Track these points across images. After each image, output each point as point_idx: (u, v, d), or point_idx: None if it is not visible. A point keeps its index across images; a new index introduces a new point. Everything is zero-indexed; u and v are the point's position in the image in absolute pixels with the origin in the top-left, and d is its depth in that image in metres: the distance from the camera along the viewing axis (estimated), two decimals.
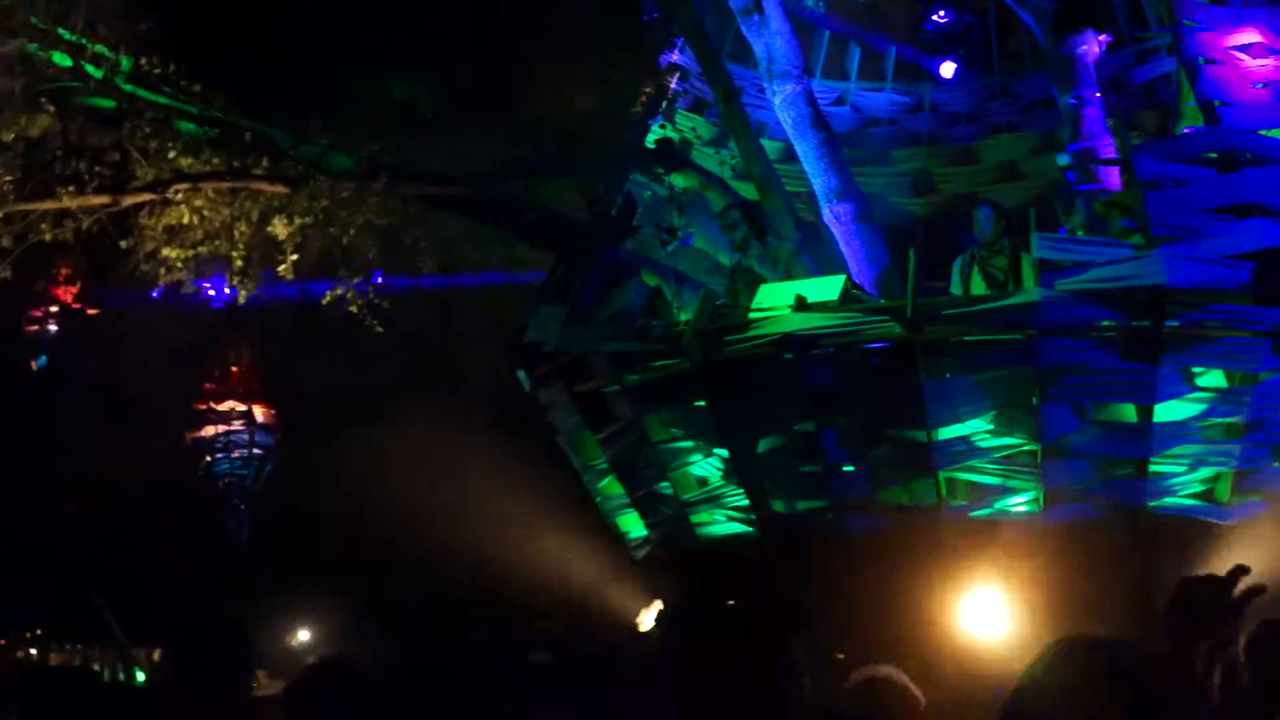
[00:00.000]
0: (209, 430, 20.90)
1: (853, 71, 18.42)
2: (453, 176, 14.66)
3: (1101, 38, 15.37)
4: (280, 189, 13.87)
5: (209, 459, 21.11)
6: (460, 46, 14.32)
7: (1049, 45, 15.65)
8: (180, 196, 13.61)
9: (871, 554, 11.44)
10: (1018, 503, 11.49)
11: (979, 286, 13.10)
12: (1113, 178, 14.36)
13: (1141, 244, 11.05)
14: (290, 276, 14.12)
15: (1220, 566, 10.83)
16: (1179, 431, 11.22)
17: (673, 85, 15.96)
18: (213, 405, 20.79)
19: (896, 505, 11.70)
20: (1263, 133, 11.94)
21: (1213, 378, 11.54)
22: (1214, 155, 11.66)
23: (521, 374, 13.02)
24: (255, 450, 20.72)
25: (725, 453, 12.03)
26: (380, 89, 14.10)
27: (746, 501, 12.03)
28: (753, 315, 11.57)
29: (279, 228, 13.76)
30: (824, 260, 14.39)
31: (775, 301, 11.54)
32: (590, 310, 12.77)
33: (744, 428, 11.85)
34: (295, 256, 13.81)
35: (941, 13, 16.15)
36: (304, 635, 19.56)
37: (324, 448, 19.07)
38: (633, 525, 13.08)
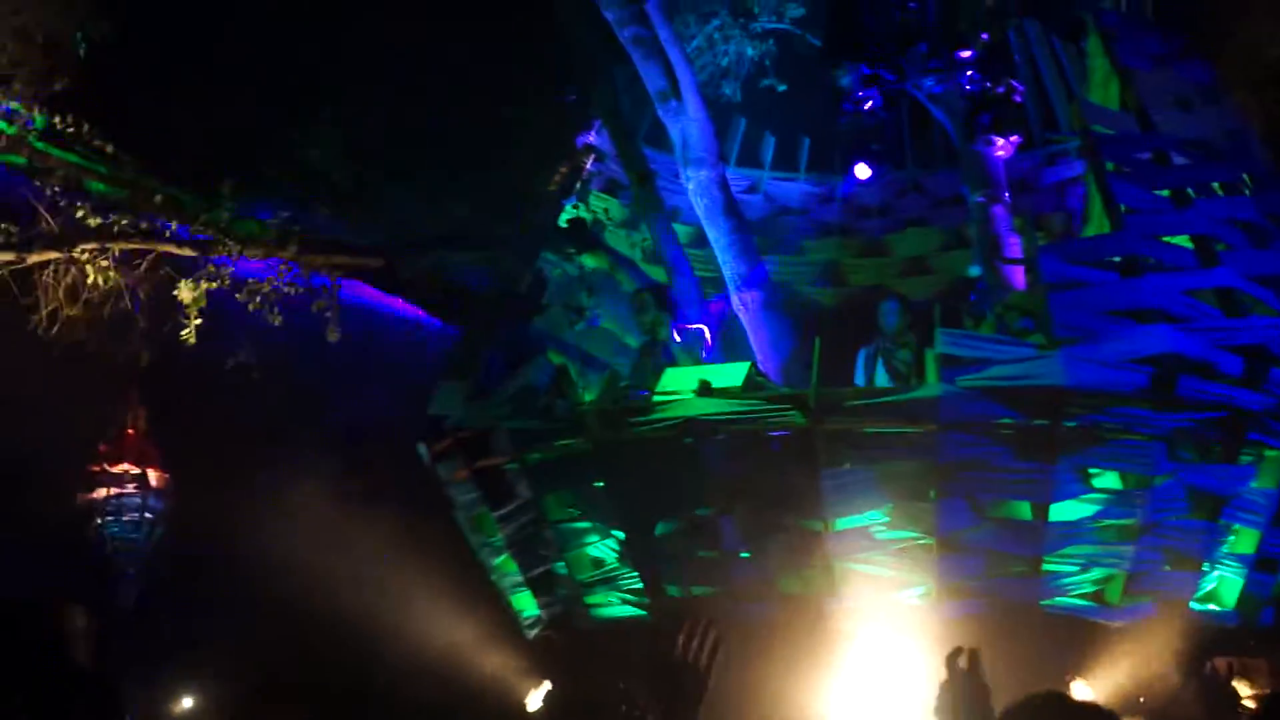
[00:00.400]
0: (101, 492, 20.55)
1: (767, 160, 18.58)
2: (364, 246, 14.59)
3: (1013, 138, 15.60)
4: (188, 252, 13.75)
5: (100, 521, 20.74)
6: (378, 115, 14.33)
7: (961, 143, 15.88)
8: (86, 256, 13.44)
9: (765, 642, 11.40)
10: (911, 596, 11.50)
11: (883, 379, 13.20)
12: (1018, 277, 14.55)
13: (1043, 344, 11.16)
14: (193, 341, 13.93)
15: (1108, 667, 10.90)
16: (1073, 531, 11.31)
17: (588, 166, 16.03)
18: (106, 467, 20.46)
19: (791, 594, 11.65)
20: (1166, 239, 12.15)
21: (1109, 479, 11.67)
22: (1118, 259, 11.84)
23: (422, 448, 12.91)
24: (147, 514, 20.40)
25: (622, 535, 11.98)
26: (296, 155, 14.05)
27: (641, 585, 11.98)
28: (656, 398, 11.56)
29: (184, 291, 13.61)
30: (732, 347, 14.46)
31: (679, 385, 11.54)
32: (494, 386, 12.70)
33: (642, 510, 11.82)
34: (199, 321, 13.65)
35: (867, 104, 16.30)
36: (187, 702, 19.16)
37: (221, 510, 18.80)
38: (526, 604, 12.98)
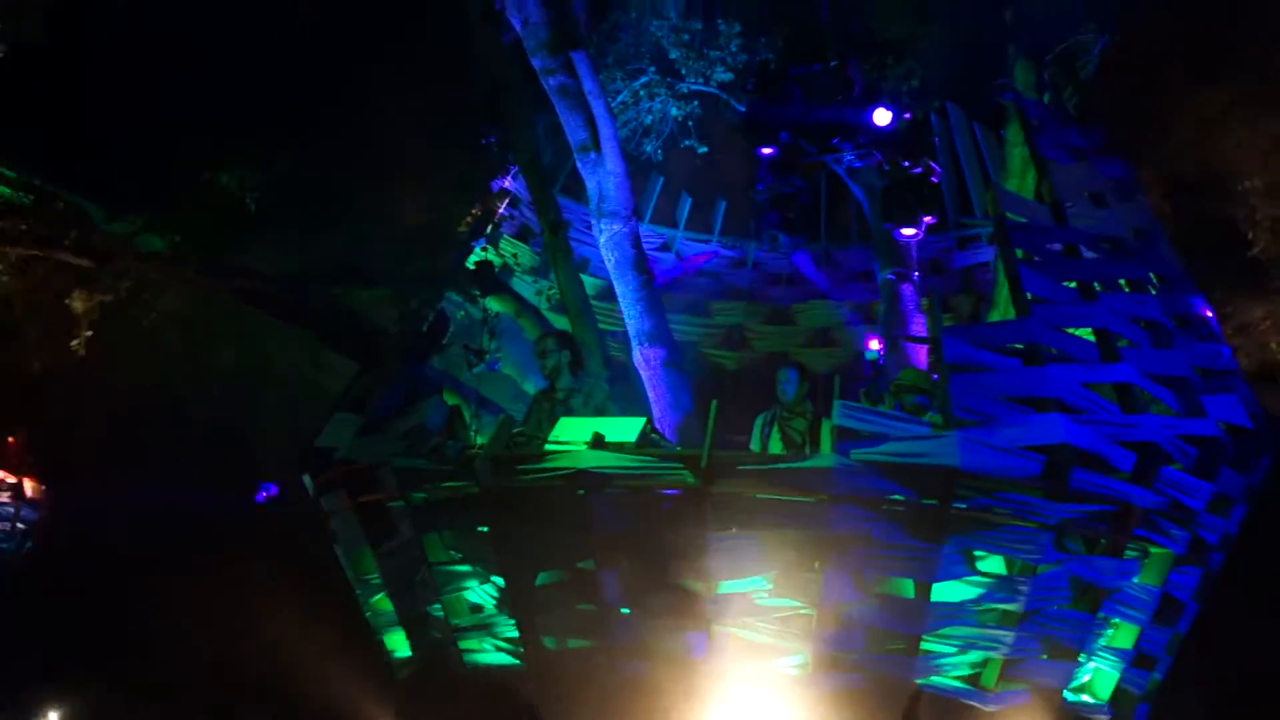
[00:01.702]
0: None
1: (682, 220, 18.60)
2: (267, 274, 14.40)
3: (926, 219, 15.71)
4: (85, 262, 13.49)
5: None
6: (293, 142, 14.17)
7: (874, 220, 15.97)
8: None
9: (639, 701, 11.26)
10: (788, 665, 11.40)
11: (777, 446, 13.15)
12: (921, 356, 14.61)
13: (939, 424, 11.15)
14: (82, 353, 13.64)
15: None
16: (954, 613, 11.26)
17: (501, 210, 15.94)
18: None
19: (668, 654, 11.50)
20: (1069, 331, 12.21)
21: (993, 563, 11.65)
22: (1020, 346, 11.87)
23: (307, 478, 12.70)
24: (19, 525, 20.01)
25: (502, 581, 11.80)
26: (207, 174, 13.85)
27: (517, 633, 11.80)
28: (549, 447, 11.43)
29: (77, 302, 13.34)
30: (629, 402, 14.37)
31: (573, 436, 11.42)
32: (386, 423, 12.53)
33: (524, 558, 11.65)
34: (89, 333, 13.37)
35: (774, 175, 16.37)
36: (53, 716, 18.70)
37: (98, 525, 18.47)
38: (399, 645, 12.75)
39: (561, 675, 11.75)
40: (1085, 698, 12.44)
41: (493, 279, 15.26)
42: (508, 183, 16.21)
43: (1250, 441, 12.15)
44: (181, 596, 16.41)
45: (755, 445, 13.38)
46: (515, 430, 12.38)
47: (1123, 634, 12.28)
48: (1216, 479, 11.83)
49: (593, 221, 15.08)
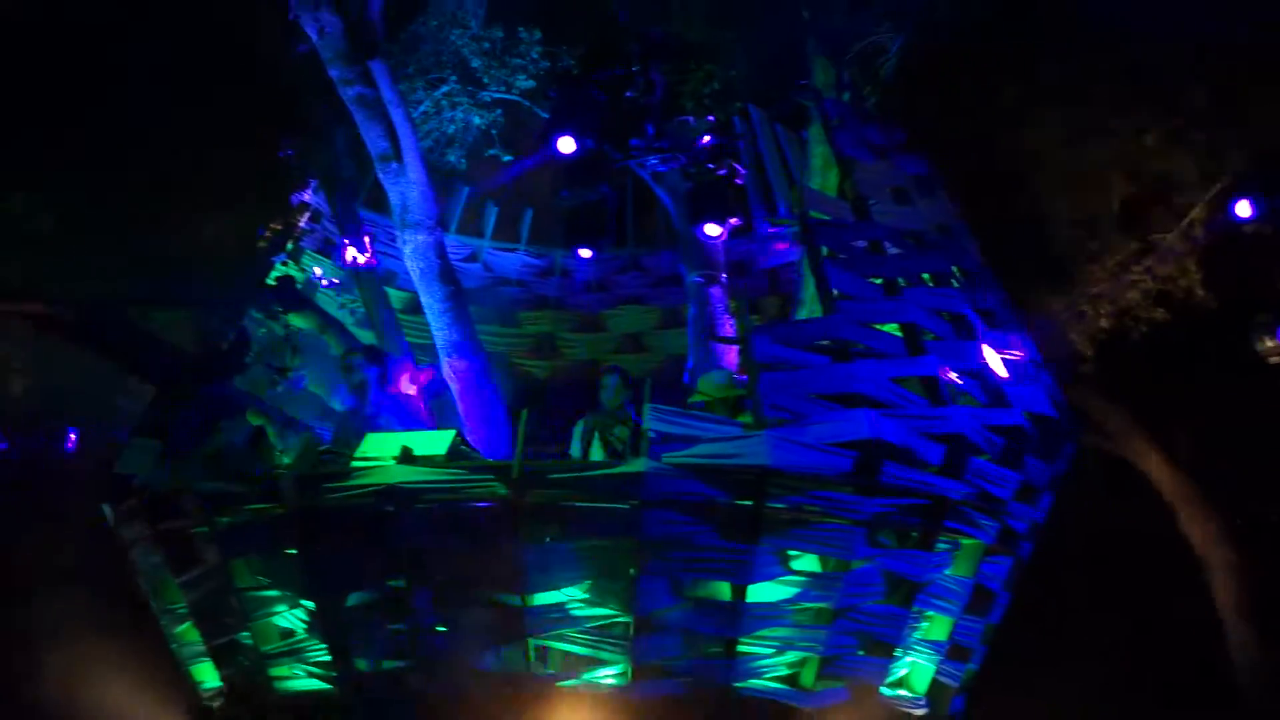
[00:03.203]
0: None
1: (488, 230, 18.42)
2: (59, 298, 13.94)
3: (732, 221, 15.73)
4: None
5: None
6: (84, 162, 13.78)
7: (681, 223, 15.94)
8: None
9: (457, 719, 11.06)
10: (606, 675, 11.27)
11: (598, 454, 13.03)
12: (731, 357, 14.61)
13: (750, 424, 11.12)
14: None
15: None
16: (770, 613, 11.23)
17: (302, 224, 15.62)
18: None
19: (485, 670, 11.30)
20: (876, 326, 12.27)
21: (808, 562, 11.65)
22: (828, 344, 11.90)
23: (107, 508, 12.28)
24: None
25: (312, 604, 11.50)
26: None
27: (329, 658, 11.51)
28: (356, 464, 11.18)
29: None
30: (440, 415, 14.16)
31: (381, 451, 11.18)
32: (188, 447, 12.16)
33: (334, 580, 11.36)
34: None
35: (593, 191, 16.27)
36: None
37: None
38: (207, 675, 12.36)
39: (376, 698, 11.49)
40: (903, 692, 12.52)
41: (294, 295, 14.93)
42: (308, 196, 15.88)
43: (1054, 430, 12.34)
44: None
45: (576, 453, 13.26)
46: (321, 449, 12.09)
47: (937, 627, 12.38)
48: (1023, 468, 11.99)
49: (396, 233, 14.83)
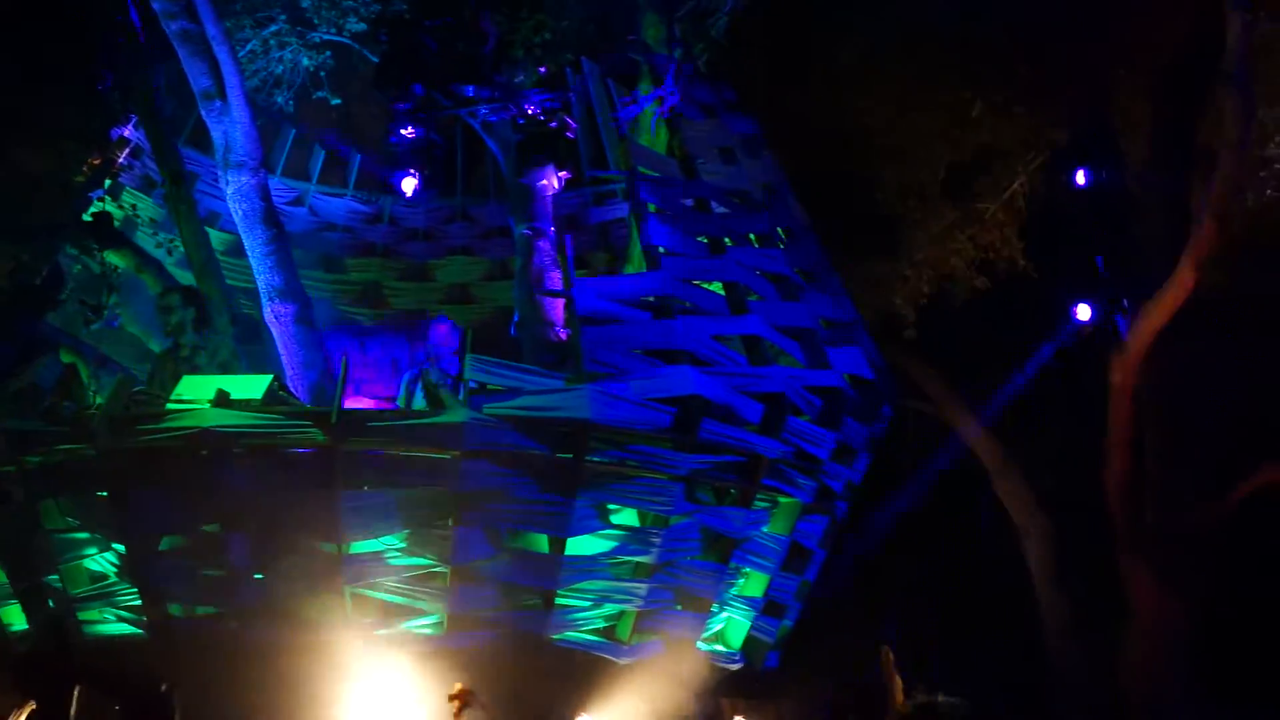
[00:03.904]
0: None
1: (314, 174, 18.15)
2: None
3: (561, 174, 15.69)
4: None
5: None
6: None
7: (510, 175, 15.86)
8: None
9: (271, 667, 10.94)
10: (423, 624, 11.25)
11: (420, 404, 12.95)
12: (558, 311, 14.60)
13: (572, 377, 11.14)
14: None
15: (615, 704, 10.94)
16: (588, 567, 11.31)
17: (121, 159, 15.25)
18: None
19: (301, 618, 11.18)
20: (700, 284, 12.35)
21: (626, 516, 11.73)
22: (652, 300, 11.94)
23: None
24: None
25: (123, 548, 11.29)
26: None
27: (140, 602, 11.31)
28: (171, 406, 10.96)
29: None
30: (261, 360, 13.93)
31: (197, 394, 10.98)
32: None
33: (147, 524, 11.16)
34: None
35: (409, 129, 16.07)
36: None
37: None
38: (14, 618, 12.06)
39: (189, 644, 11.32)
40: (718, 647, 12.68)
41: (112, 232, 14.53)
42: (128, 131, 15.47)
43: (872, 392, 12.54)
44: None
45: (401, 403, 13.18)
46: (136, 390, 11.83)
47: (753, 583, 12.55)
48: (841, 429, 12.17)
49: (219, 173, 14.51)
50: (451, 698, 10.94)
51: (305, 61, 18.32)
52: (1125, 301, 15.22)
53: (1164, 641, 15.73)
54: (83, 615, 11.70)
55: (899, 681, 13.04)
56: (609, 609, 11.60)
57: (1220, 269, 15.52)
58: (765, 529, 12.35)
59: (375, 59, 17.37)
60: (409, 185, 16.15)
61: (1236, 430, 16.04)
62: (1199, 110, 16.01)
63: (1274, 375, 15.94)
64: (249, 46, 17.82)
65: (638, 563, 11.46)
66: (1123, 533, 16.05)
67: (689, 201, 13.28)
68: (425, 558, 11.01)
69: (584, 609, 11.48)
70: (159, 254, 15.21)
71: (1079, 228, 16.29)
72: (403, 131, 16.27)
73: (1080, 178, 15.18)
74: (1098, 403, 16.10)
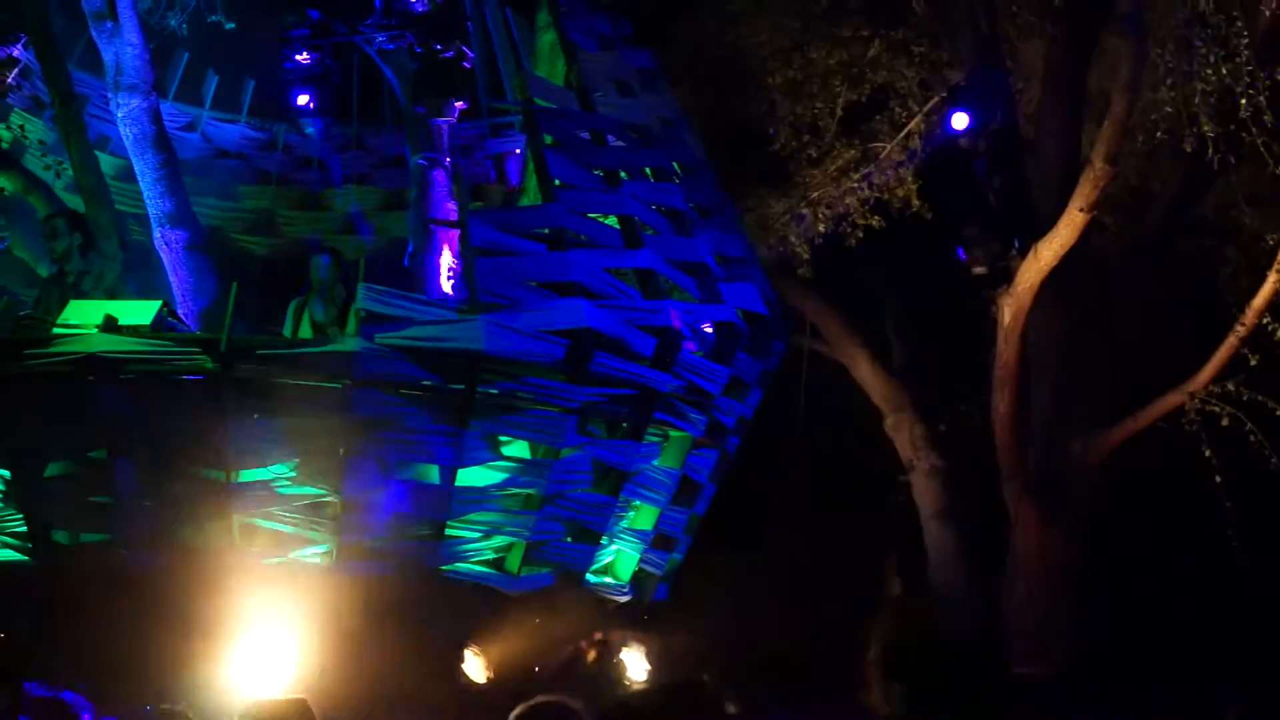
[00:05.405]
0: None
1: (208, 98, 17.90)
2: None
3: (458, 104, 15.59)
4: None
5: None
6: None
7: (406, 104, 15.74)
8: None
9: (158, 596, 10.86)
10: (312, 554, 11.23)
11: (308, 332, 12.89)
12: (453, 242, 14.55)
13: (466, 308, 11.12)
14: None
15: (505, 636, 10.98)
16: (478, 498, 11.33)
17: (9, 80, 14.96)
18: None
19: (188, 546, 11.10)
20: (594, 217, 12.34)
21: (518, 448, 11.76)
22: (546, 232, 11.92)
23: None
24: None
25: (7, 474, 11.14)
26: None
27: (25, 529, 11.18)
28: (57, 331, 10.83)
29: None
30: (151, 287, 13.78)
31: (84, 319, 10.84)
32: None
33: (32, 449, 11.02)
34: None
35: (304, 54, 15.89)
36: None
37: None
38: None
39: (76, 571, 11.24)
40: (607, 579, 12.76)
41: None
42: (16, 52, 15.16)
43: (766, 328, 12.62)
44: None
45: (287, 331, 13.09)
46: (22, 314, 11.68)
47: (643, 516, 12.64)
48: (733, 364, 12.25)
49: (110, 96, 14.28)
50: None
51: None
52: (1017, 242, 15.36)
53: (1047, 573, 16.05)
54: None
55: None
56: (499, 540, 11.63)
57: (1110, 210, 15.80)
58: (656, 462, 12.42)
59: None
60: (303, 99, 15.98)
61: (1128, 369, 16.39)
62: (1092, 51, 16.21)
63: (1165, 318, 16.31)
64: None
65: (528, 494, 11.49)
66: (1007, 468, 16.32)
67: (585, 134, 13.24)
68: (315, 487, 10.96)
69: (474, 540, 11.51)
70: (48, 176, 14.99)
71: (973, 169, 16.46)
72: (298, 58, 16.08)
73: (968, 119, 15.23)
74: (992, 343, 16.31)
